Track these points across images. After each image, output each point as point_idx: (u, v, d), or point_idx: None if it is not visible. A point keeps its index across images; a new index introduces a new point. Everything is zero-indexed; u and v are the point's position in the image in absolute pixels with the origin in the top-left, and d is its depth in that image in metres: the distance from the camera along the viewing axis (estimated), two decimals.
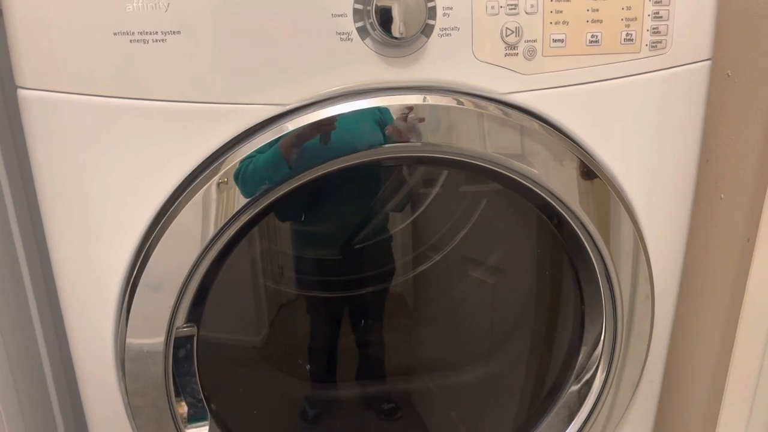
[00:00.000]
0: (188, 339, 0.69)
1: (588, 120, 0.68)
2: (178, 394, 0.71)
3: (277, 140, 0.62)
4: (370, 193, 0.85)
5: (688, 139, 0.73)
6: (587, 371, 0.80)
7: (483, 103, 0.65)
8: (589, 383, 0.80)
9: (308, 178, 0.65)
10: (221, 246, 0.66)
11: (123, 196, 0.62)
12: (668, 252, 0.77)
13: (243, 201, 0.63)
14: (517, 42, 0.64)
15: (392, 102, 0.63)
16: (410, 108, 0.63)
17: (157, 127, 0.60)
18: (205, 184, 0.62)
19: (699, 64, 0.70)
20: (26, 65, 0.57)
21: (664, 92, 0.70)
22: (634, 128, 0.70)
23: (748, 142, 0.77)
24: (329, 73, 0.62)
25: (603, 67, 0.66)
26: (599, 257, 0.73)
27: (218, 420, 0.76)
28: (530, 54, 0.64)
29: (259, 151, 0.62)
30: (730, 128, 0.80)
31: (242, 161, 0.62)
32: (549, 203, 0.70)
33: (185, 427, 0.72)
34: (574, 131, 0.68)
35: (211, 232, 0.64)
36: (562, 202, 0.69)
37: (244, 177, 0.62)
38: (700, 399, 0.89)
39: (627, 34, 0.66)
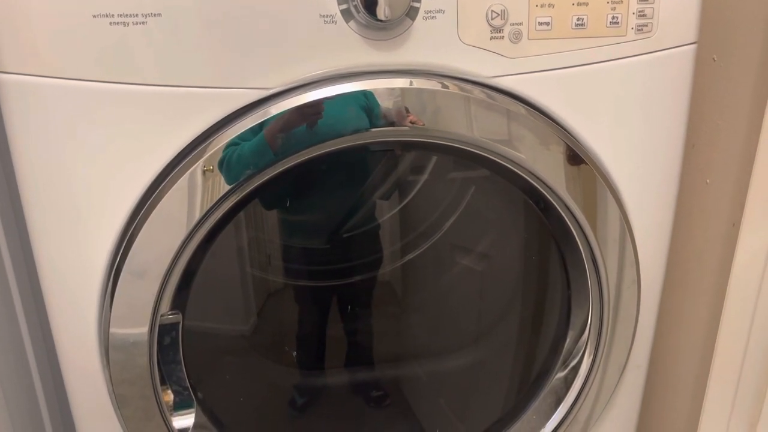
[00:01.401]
0: (173, 326, 0.68)
1: (574, 104, 0.68)
2: (163, 383, 0.70)
3: (261, 127, 0.61)
4: (356, 180, 0.84)
5: (674, 124, 0.73)
6: (574, 357, 0.80)
7: (469, 86, 0.65)
8: (575, 369, 0.80)
9: (293, 163, 0.64)
10: (205, 232, 0.65)
11: (106, 181, 0.62)
12: (654, 237, 0.77)
13: (227, 187, 0.63)
14: (503, 25, 0.63)
15: (378, 86, 0.63)
16: (403, 90, 0.63)
17: (139, 112, 0.60)
18: (188, 169, 0.62)
19: (685, 47, 0.70)
20: (4, 49, 0.56)
21: (650, 76, 0.70)
22: (620, 113, 0.70)
23: (733, 128, 0.77)
24: (313, 57, 0.61)
25: (589, 51, 0.66)
26: (585, 242, 0.73)
27: (205, 408, 0.76)
28: (516, 37, 0.64)
29: (242, 138, 0.61)
30: (716, 113, 0.80)
31: (226, 149, 0.61)
32: (535, 188, 0.70)
33: (171, 415, 0.71)
34: (560, 115, 0.68)
35: (195, 218, 0.63)
36: (549, 187, 0.69)
37: (228, 164, 0.62)
38: (685, 383, 0.89)
39: (613, 17, 0.65)
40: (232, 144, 0.61)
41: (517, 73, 0.66)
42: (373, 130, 0.64)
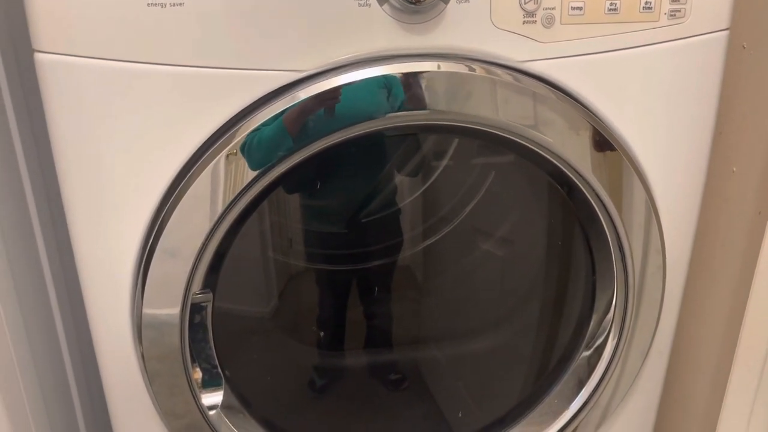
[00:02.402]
0: (204, 305, 0.69)
1: (604, 89, 0.68)
2: (193, 361, 0.72)
3: (281, 113, 0.62)
4: (380, 164, 0.85)
5: (704, 111, 0.73)
6: (598, 337, 0.81)
7: (499, 70, 0.65)
8: (599, 350, 0.81)
9: (315, 150, 0.65)
10: (236, 215, 0.66)
11: (140, 161, 0.62)
12: (680, 224, 0.77)
13: (251, 174, 0.63)
14: (536, 9, 0.63)
15: (405, 69, 0.63)
16: (419, 74, 0.63)
17: (174, 93, 0.60)
18: (221, 152, 0.62)
19: (716, 34, 0.69)
20: (43, 28, 0.57)
21: (682, 62, 0.69)
22: (649, 99, 0.70)
23: (761, 116, 0.77)
24: (346, 39, 0.62)
25: (621, 36, 0.66)
26: (612, 227, 0.73)
27: (233, 388, 0.77)
28: (548, 22, 0.64)
29: (265, 123, 0.62)
30: (744, 101, 0.79)
31: (249, 134, 0.62)
32: (562, 172, 0.70)
33: (201, 392, 0.73)
34: (590, 100, 0.68)
35: (225, 201, 0.64)
36: (576, 171, 0.69)
37: (249, 149, 0.62)
38: (706, 372, 0.89)
39: (646, 2, 0.65)
40: (255, 130, 0.62)
41: (548, 58, 0.66)
42: (396, 114, 0.64)
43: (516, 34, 0.64)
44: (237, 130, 0.62)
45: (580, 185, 0.71)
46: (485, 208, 0.89)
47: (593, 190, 0.71)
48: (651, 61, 0.68)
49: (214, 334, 0.73)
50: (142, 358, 0.69)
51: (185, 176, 0.63)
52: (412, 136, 0.84)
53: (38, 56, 0.58)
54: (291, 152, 0.63)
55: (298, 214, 0.89)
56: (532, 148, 0.69)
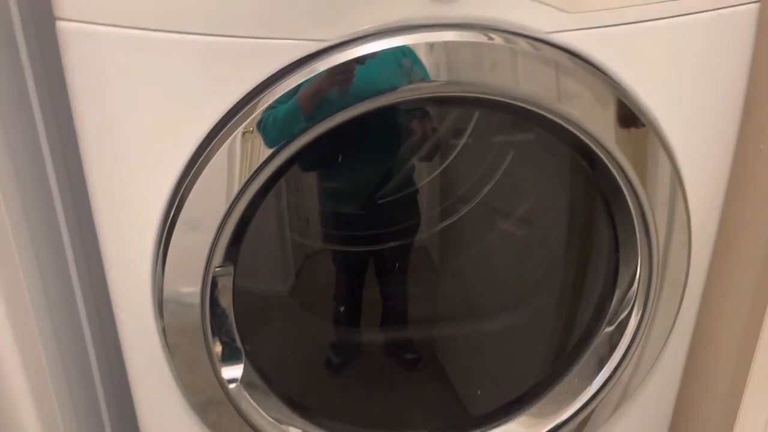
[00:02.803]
0: (225, 279, 0.69)
1: (631, 61, 0.67)
2: (213, 334, 0.72)
3: (296, 91, 0.61)
4: (396, 142, 0.84)
5: (733, 86, 0.72)
6: (622, 312, 0.80)
7: (522, 41, 0.64)
8: (622, 326, 0.80)
9: (329, 127, 0.64)
10: (256, 189, 0.66)
11: (161, 132, 0.62)
12: (707, 200, 0.76)
13: (267, 151, 0.63)
14: None
15: (426, 39, 0.62)
16: (440, 45, 0.62)
17: (196, 62, 0.60)
18: (242, 124, 0.62)
19: (748, 6, 0.68)
20: None
21: (711, 35, 0.68)
22: (678, 71, 0.68)
23: None
24: (368, 9, 0.61)
25: (649, 7, 0.64)
26: (636, 201, 0.72)
27: (253, 363, 0.77)
28: None
29: (280, 101, 0.61)
30: None
31: (264, 111, 0.61)
32: (585, 144, 0.69)
33: (221, 366, 0.73)
34: (616, 72, 0.67)
35: (245, 174, 0.64)
36: (600, 144, 0.68)
37: (265, 127, 0.62)
38: (729, 353, 0.88)
39: None
40: (270, 107, 0.61)
41: (574, 29, 0.64)
42: (415, 86, 0.63)
43: (543, 3, 0.62)
44: (259, 102, 0.62)
45: (603, 158, 0.70)
46: (504, 188, 0.88)
47: (618, 163, 0.69)
48: (679, 32, 0.67)
49: (234, 310, 0.73)
50: (163, 331, 0.69)
51: (207, 148, 0.63)
52: (428, 115, 0.83)
53: (60, 24, 0.58)
54: (307, 129, 0.63)
55: (314, 194, 0.88)
56: (556, 121, 0.68)
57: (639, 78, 0.67)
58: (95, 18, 0.58)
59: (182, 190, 0.64)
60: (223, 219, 0.64)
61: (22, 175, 0.71)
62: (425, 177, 0.92)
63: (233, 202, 0.64)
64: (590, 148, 0.70)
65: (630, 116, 0.67)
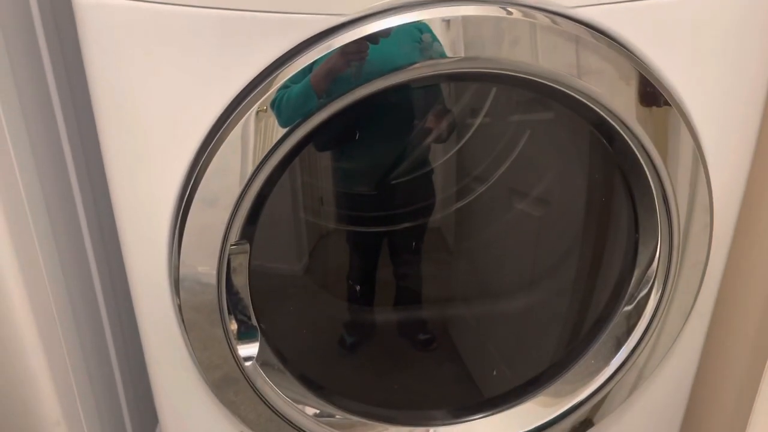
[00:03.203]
0: (241, 257, 0.69)
1: (654, 37, 0.65)
2: (229, 312, 0.72)
3: (309, 70, 0.60)
4: (413, 121, 0.83)
5: (759, 64, 0.70)
6: (641, 291, 0.79)
7: (543, 15, 0.63)
8: (640, 306, 0.79)
9: (342, 105, 0.63)
10: (272, 167, 0.65)
11: (178, 108, 0.62)
12: (730, 181, 0.75)
13: (281, 131, 0.62)
14: None
15: (443, 14, 0.61)
16: (466, 18, 0.60)
17: (212, 38, 0.59)
18: (258, 99, 0.61)
19: None
20: None
21: (737, 10, 0.66)
22: (701, 47, 0.67)
23: None
24: None
25: None
26: (658, 181, 0.71)
27: (269, 342, 0.77)
28: None
29: (293, 80, 0.60)
30: None
31: (279, 90, 0.61)
32: (605, 121, 0.68)
33: (237, 343, 0.73)
34: (639, 48, 0.65)
35: (260, 152, 0.63)
36: (621, 120, 0.67)
37: (279, 107, 0.61)
38: (748, 336, 0.87)
39: None
40: (284, 86, 0.61)
41: (597, 3, 0.63)
42: (433, 61, 0.62)
43: None
44: (275, 78, 0.61)
45: (624, 136, 0.69)
46: (521, 167, 0.87)
47: (639, 141, 0.68)
48: (705, 8, 0.65)
49: (250, 288, 0.73)
50: (179, 308, 0.70)
51: (223, 124, 0.62)
52: (443, 94, 0.82)
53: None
54: (320, 108, 0.62)
55: (329, 174, 0.88)
56: (577, 97, 0.67)
57: (663, 54, 0.66)
58: None
59: (198, 168, 0.64)
60: (240, 197, 0.64)
61: (38, 152, 0.71)
62: (440, 157, 0.91)
63: (249, 180, 0.64)
64: (611, 125, 0.69)
65: (653, 93, 0.66)
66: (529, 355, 0.95)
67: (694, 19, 0.65)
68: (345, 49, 0.60)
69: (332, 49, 0.60)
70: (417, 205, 0.93)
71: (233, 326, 0.72)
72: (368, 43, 0.60)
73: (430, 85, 0.79)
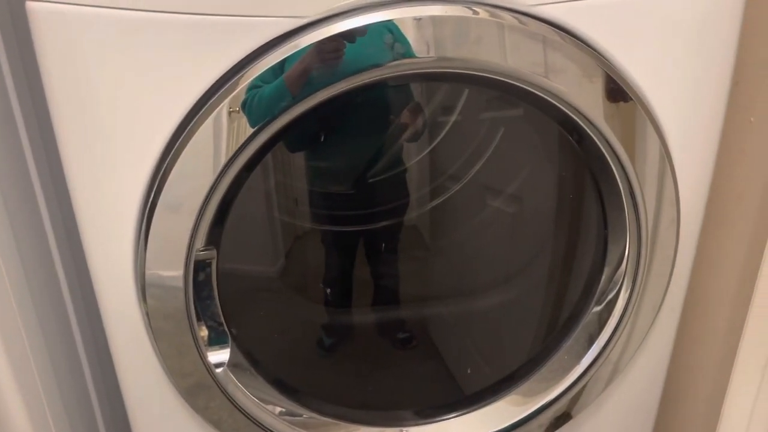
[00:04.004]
0: (207, 263, 0.68)
1: (617, 34, 0.65)
2: (198, 318, 0.71)
3: (281, 66, 0.59)
4: (383, 121, 0.83)
5: (721, 58, 0.71)
6: (610, 291, 0.80)
7: (506, 14, 0.62)
8: (611, 305, 0.80)
9: (315, 102, 0.62)
10: (237, 169, 0.65)
11: (138, 114, 0.61)
12: (695, 175, 0.75)
13: (250, 130, 0.62)
14: None
15: (409, 13, 0.60)
16: (433, 18, 0.60)
17: (172, 42, 0.58)
18: (221, 103, 0.61)
19: None
20: None
21: (698, 5, 0.66)
22: (665, 44, 0.67)
23: None
24: None
25: None
26: (624, 177, 0.71)
27: (240, 346, 0.77)
28: None
29: (264, 79, 0.60)
30: (763, 49, 0.76)
31: (249, 90, 0.60)
32: (572, 120, 0.68)
33: (207, 350, 0.72)
34: (602, 46, 0.66)
35: (226, 155, 0.62)
36: (587, 119, 0.67)
37: (250, 107, 0.61)
38: (719, 328, 0.88)
39: None
40: (254, 86, 0.60)
41: (558, 1, 0.63)
42: (401, 62, 0.62)
43: None
44: (238, 80, 0.60)
45: (591, 134, 0.69)
46: (494, 165, 0.87)
47: (606, 139, 0.69)
48: (667, 4, 0.65)
49: (221, 293, 0.72)
50: (147, 316, 0.69)
51: (185, 129, 0.62)
52: (414, 93, 0.82)
53: (30, 5, 0.56)
54: (291, 105, 0.62)
55: (302, 174, 0.87)
56: (543, 96, 0.67)
57: (626, 51, 0.66)
58: None
59: (161, 173, 0.63)
60: (204, 201, 0.63)
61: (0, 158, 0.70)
62: (414, 155, 0.91)
63: (214, 183, 0.63)
64: (578, 124, 0.69)
65: (618, 91, 0.66)
66: (507, 352, 0.96)
67: (656, 17, 0.65)
68: (321, 48, 0.59)
69: (298, 49, 0.59)
70: (392, 203, 0.93)
71: (203, 332, 0.71)
72: (345, 41, 0.60)
73: (402, 84, 0.79)
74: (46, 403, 0.78)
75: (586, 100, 0.66)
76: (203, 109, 0.61)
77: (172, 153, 0.62)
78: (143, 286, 0.67)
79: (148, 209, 0.64)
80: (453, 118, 0.86)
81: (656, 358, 0.89)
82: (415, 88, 0.83)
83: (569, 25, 0.64)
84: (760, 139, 0.78)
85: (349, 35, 0.60)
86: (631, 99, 0.67)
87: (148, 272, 0.66)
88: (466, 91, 0.83)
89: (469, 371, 0.95)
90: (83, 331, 0.90)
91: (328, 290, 0.98)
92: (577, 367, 0.82)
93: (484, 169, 0.88)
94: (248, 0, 0.58)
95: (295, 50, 0.60)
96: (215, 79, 0.60)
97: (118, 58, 0.58)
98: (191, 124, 0.61)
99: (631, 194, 0.72)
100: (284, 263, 0.92)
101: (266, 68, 0.60)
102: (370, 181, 0.90)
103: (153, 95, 0.60)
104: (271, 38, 0.60)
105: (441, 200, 0.93)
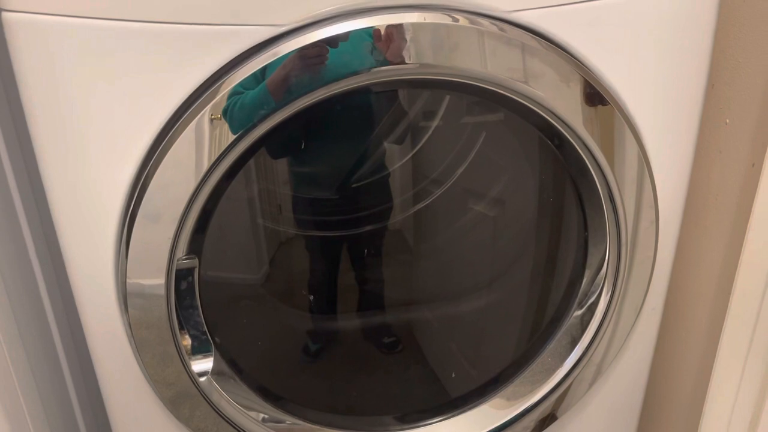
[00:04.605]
0: (189, 271, 0.68)
1: (594, 39, 0.66)
2: (181, 328, 0.71)
3: (262, 73, 0.59)
4: (366, 127, 0.83)
5: (697, 61, 0.71)
6: (591, 295, 0.80)
7: (485, 21, 0.63)
8: (592, 307, 0.80)
9: (298, 108, 0.63)
10: (218, 177, 0.65)
11: (117, 124, 0.61)
12: (673, 177, 0.76)
13: (232, 136, 0.62)
14: None
15: (389, 21, 0.61)
16: (413, 25, 0.61)
17: (149, 52, 0.58)
18: (199, 112, 0.60)
19: None
20: None
21: (673, 10, 0.67)
22: (641, 48, 0.68)
23: (755, 66, 0.75)
24: None
25: None
26: (603, 181, 0.72)
27: (223, 354, 0.76)
28: None
29: (245, 86, 0.60)
30: (737, 51, 0.78)
31: (230, 97, 0.60)
32: (552, 125, 0.69)
33: (190, 359, 0.72)
34: (580, 51, 0.66)
35: (206, 164, 0.62)
36: (566, 125, 0.68)
37: (232, 114, 0.61)
38: (700, 327, 0.90)
39: None
40: (236, 93, 0.60)
41: (536, 7, 0.63)
42: (381, 68, 0.62)
43: None
44: (218, 88, 0.60)
45: (571, 139, 0.69)
46: (476, 169, 0.88)
47: (584, 144, 0.69)
48: (642, 8, 0.66)
49: (204, 301, 0.72)
50: (129, 326, 0.68)
51: (164, 139, 0.61)
52: (396, 98, 0.82)
53: (5, 15, 0.56)
54: (273, 112, 0.62)
55: (285, 180, 0.87)
56: (522, 102, 0.67)
57: (602, 56, 0.67)
58: (44, 8, 0.56)
59: (141, 182, 0.63)
60: (185, 209, 0.63)
61: None
62: (398, 160, 0.91)
63: (194, 191, 0.63)
64: (557, 128, 0.69)
65: (595, 95, 0.67)
66: (492, 355, 0.96)
67: (631, 22, 0.66)
68: (305, 54, 0.60)
69: (278, 57, 0.59)
70: (376, 208, 0.93)
71: (186, 341, 0.71)
72: (328, 47, 0.60)
73: (384, 90, 0.79)
74: (27, 414, 0.77)
75: (564, 105, 0.67)
76: (182, 119, 0.61)
77: (151, 162, 0.62)
78: (125, 296, 0.66)
79: (128, 219, 0.64)
80: (435, 123, 0.87)
81: (639, 358, 0.90)
82: (397, 94, 0.83)
83: (546, 31, 0.65)
84: (736, 140, 0.79)
85: (332, 41, 0.60)
86: (609, 103, 0.68)
87: (129, 282, 0.65)
88: (448, 96, 0.83)
89: (453, 375, 0.95)
90: (65, 342, 0.89)
91: (313, 296, 0.97)
92: (561, 368, 0.82)
93: (467, 173, 0.88)
94: (224, 9, 0.57)
95: (275, 58, 0.60)
96: (193, 89, 0.60)
97: (95, 68, 0.58)
98: (170, 134, 0.61)
99: (610, 197, 0.73)
100: (268, 270, 0.92)
101: (247, 75, 0.60)
102: (354, 186, 0.90)
103: (131, 105, 0.60)
104: (249, 47, 0.60)
105: (424, 204, 0.93)
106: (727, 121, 0.80)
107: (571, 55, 0.66)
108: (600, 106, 0.68)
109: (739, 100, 0.78)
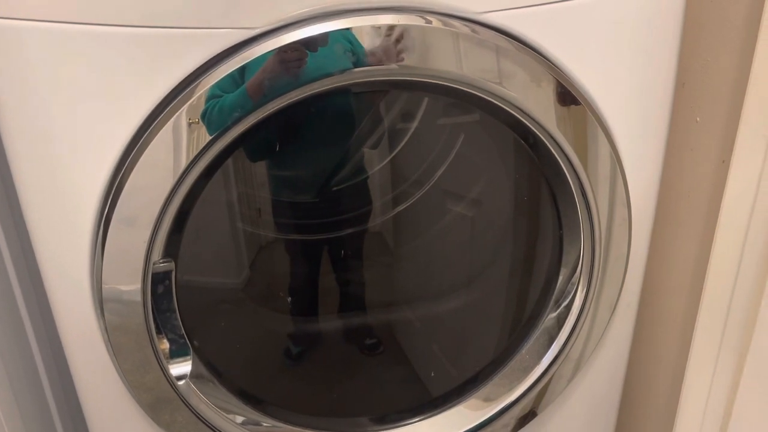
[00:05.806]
0: (166, 275, 0.68)
1: (564, 40, 0.67)
2: (159, 332, 0.70)
3: (243, 71, 0.59)
4: (343, 129, 0.83)
5: (666, 60, 0.73)
6: (566, 296, 0.81)
7: (457, 23, 0.64)
8: (568, 307, 0.81)
9: (275, 108, 0.63)
10: (194, 179, 0.65)
11: (91, 128, 0.60)
12: (645, 175, 0.77)
13: (209, 137, 0.62)
14: None
15: (364, 23, 0.61)
16: (389, 27, 0.61)
17: (122, 56, 0.58)
18: (174, 114, 0.60)
19: None
20: None
21: (642, 10, 0.68)
22: (611, 48, 0.69)
23: (723, 64, 0.77)
24: None
25: None
26: (577, 180, 0.73)
27: (201, 357, 0.76)
28: None
29: (223, 88, 0.60)
30: (706, 50, 0.79)
31: (208, 101, 0.60)
32: (525, 125, 0.70)
33: (168, 363, 0.72)
34: (551, 52, 0.67)
35: (182, 166, 0.62)
36: (540, 125, 0.69)
37: (210, 117, 0.61)
38: (674, 320, 0.91)
39: None
40: (214, 96, 0.60)
41: (507, 9, 0.64)
42: (358, 70, 0.63)
43: None
44: (192, 90, 0.60)
45: (544, 139, 0.70)
46: (454, 170, 0.88)
47: (558, 144, 0.70)
48: (611, 8, 0.67)
49: (182, 305, 0.71)
50: (106, 332, 0.68)
51: (138, 142, 0.61)
52: (373, 102, 0.82)
53: None
54: (249, 112, 0.62)
55: (264, 183, 0.87)
56: (496, 103, 0.68)
57: (573, 57, 0.68)
58: (15, 13, 0.56)
59: (116, 185, 0.62)
60: (160, 213, 0.63)
61: None
62: (377, 163, 0.92)
63: (170, 193, 0.63)
64: (531, 129, 0.70)
65: (567, 95, 0.68)
66: (472, 354, 0.97)
67: (600, 22, 0.67)
68: (284, 57, 0.60)
69: (253, 59, 0.60)
70: (356, 211, 0.94)
71: (164, 345, 0.71)
72: (306, 49, 0.60)
73: (362, 92, 0.80)
74: (5, 422, 0.76)
75: (537, 105, 0.68)
76: (157, 120, 0.61)
77: (126, 164, 0.62)
78: (101, 301, 0.66)
79: (103, 222, 0.63)
80: (414, 125, 0.87)
81: (616, 353, 0.91)
82: (375, 96, 0.83)
83: (517, 32, 0.66)
84: (707, 137, 0.81)
85: (310, 43, 0.60)
86: (580, 103, 0.69)
87: (105, 287, 0.65)
88: (426, 99, 0.84)
89: (433, 374, 0.96)
90: (43, 349, 0.88)
91: (294, 299, 0.97)
92: (539, 366, 0.83)
93: (445, 174, 0.89)
94: (195, 13, 0.57)
95: (249, 59, 0.60)
96: (167, 91, 0.60)
97: (66, 72, 0.58)
98: (145, 135, 0.61)
99: (583, 195, 0.74)
100: (248, 273, 0.92)
101: (224, 76, 0.60)
102: (334, 188, 0.90)
103: (105, 109, 0.60)
104: (223, 50, 0.60)
105: (404, 206, 0.94)
106: (698, 118, 0.82)
107: (543, 56, 0.67)
108: (572, 106, 0.69)
109: (708, 98, 0.80)
